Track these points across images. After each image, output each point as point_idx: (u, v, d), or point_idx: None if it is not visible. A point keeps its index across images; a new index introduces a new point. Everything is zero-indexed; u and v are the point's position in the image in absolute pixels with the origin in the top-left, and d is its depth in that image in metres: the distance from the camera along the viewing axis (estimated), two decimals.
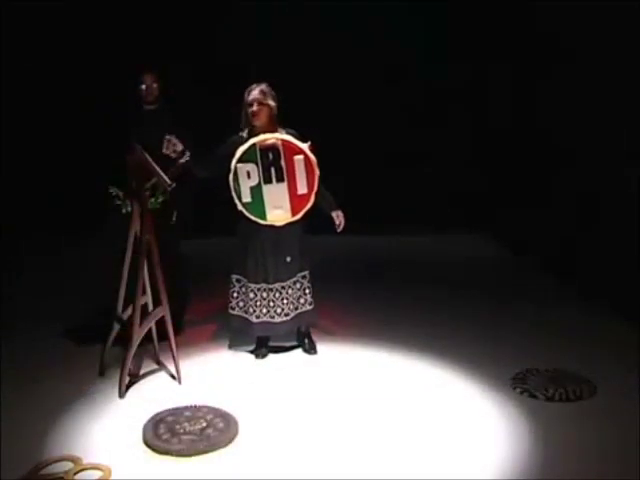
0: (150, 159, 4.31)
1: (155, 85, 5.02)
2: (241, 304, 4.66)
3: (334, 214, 4.63)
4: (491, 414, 3.97)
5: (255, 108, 4.41)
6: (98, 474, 3.39)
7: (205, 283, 5.89)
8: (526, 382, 4.31)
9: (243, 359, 4.73)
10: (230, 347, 4.88)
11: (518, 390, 4.23)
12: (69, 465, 3.46)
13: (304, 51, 7.20)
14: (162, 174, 4.37)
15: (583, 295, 5.70)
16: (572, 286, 5.90)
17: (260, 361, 4.70)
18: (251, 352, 4.78)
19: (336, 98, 7.27)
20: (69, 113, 7.08)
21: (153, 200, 4.57)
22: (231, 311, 4.70)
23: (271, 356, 4.77)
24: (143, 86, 5.01)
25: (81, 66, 7.06)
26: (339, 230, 4.65)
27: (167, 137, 4.40)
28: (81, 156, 6.96)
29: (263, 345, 4.78)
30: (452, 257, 7.03)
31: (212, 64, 7.30)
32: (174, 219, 4.93)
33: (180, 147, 4.42)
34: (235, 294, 4.68)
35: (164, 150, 4.41)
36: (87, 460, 3.50)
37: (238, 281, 4.66)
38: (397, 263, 6.83)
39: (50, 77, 7.08)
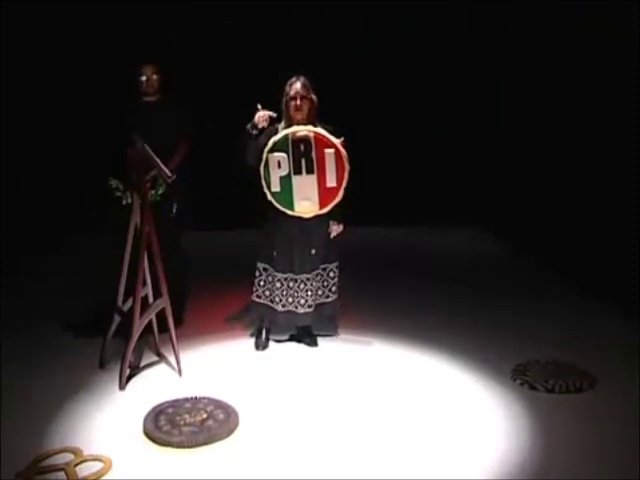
0: (150, 151, 4.31)
1: (155, 77, 5.00)
2: (267, 293, 4.67)
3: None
4: (491, 405, 3.98)
5: (298, 102, 4.42)
6: (99, 465, 3.40)
7: (205, 275, 5.89)
8: (526, 374, 4.31)
9: (243, 351, 4.73)
10: (235, 337, 4.90)
11: (518, 382, 4.24)
12: (70, 456, 3.46)
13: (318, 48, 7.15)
14: (162, 166, 4.38)
15: (584, 290, 5.70)
16: (572, 282, 5.90)
17: (260, 353, 4.71)
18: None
19: (340, 95, 7.23)
20: (68, 107, 7.05)
21: (153, 192, 4.56)
22: (256, 299, 4.70)
23: (272, 348, 4.77)
24: (143, 77, 4.98)
25: (81, 58, 7.03)
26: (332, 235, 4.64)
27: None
28: (81, 149, 6.94)
29: (264, 336, 4.78)
30: (453, 253, 7.03)
31: (220, 61, 7.26)
32: (174, 211, 4.93)
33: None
34: (262, 282, 4.68)
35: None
36: (88, 452, 3.51)
37: (265, 270, 4.67)
38: (397, 258, 6.82)
39: (49, 70, 7.06)
